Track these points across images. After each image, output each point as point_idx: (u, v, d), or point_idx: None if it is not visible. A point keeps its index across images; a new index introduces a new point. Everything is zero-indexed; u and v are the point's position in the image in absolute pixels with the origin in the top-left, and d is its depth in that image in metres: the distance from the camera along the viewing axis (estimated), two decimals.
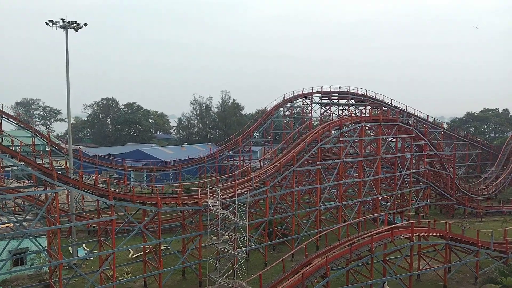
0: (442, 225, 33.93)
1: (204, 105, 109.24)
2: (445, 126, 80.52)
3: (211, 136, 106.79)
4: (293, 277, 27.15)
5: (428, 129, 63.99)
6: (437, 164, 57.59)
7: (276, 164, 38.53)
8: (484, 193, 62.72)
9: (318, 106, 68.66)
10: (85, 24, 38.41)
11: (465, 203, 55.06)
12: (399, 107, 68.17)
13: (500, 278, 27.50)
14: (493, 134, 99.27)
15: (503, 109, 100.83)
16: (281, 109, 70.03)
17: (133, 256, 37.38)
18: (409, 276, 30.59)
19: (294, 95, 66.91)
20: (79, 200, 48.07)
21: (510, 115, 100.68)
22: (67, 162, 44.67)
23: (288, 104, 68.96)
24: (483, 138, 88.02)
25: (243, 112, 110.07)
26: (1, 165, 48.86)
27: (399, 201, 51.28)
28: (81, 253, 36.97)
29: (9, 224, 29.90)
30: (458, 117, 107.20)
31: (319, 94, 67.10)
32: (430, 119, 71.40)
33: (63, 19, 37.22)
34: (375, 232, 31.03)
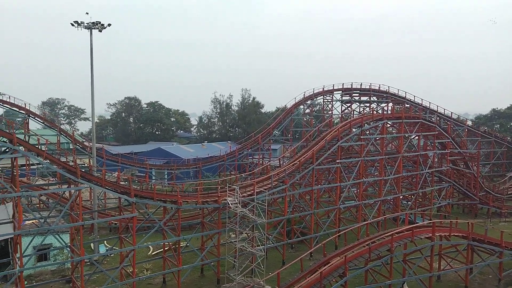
0: (465, 225, 33.27)
1: (224, 103, 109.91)
2: (469, 123, 78.59)
3: (231, 134, 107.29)
4: (311, 276, 27.12)
5: (452, 126, 62.62)
6: (460, 162, 56.39)
7: (295, 162, 38.46)
8: (509, 193, 61.09)
9: (338, 103, 68.02)
10: (109, 25, 38.98)
11: (489, 203, 53.75)
12: (422, 103, 66.90)
13: None
14: None
15: None
16: (301, 106, 69.62)
17: (153, 253, 38.00)
18: (429, 276, 30.12)
19: (315, 92, 66.34)
20: (102, 198, 49.14)
21: None
22: (90, 160, 45.72)
23: (308, 102, 68.48)
24: (509, 135, 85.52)
25: (263, 110, 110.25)
26: (28, 163, 50.41)
27: (420, 200, 50.45)
28: (102, 249, 37.83)
29: (34, 221, 30.80)
30: (483, 114, 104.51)
31: (340, 91, 66.44)
32: (454, 116, 69.82)
33: (89, 22, 37.93)
34: (395, 231, 30.66)
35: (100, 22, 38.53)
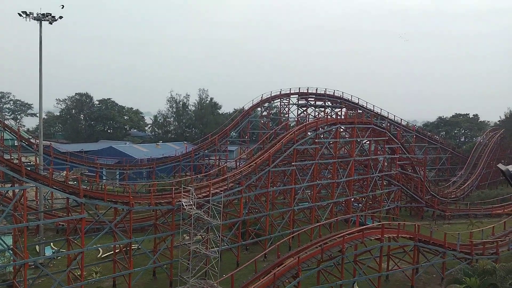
0: (411, 227, 34.71)
1: (181, 103, 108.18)
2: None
3: (187, 135, 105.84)
4: (265, 278, 27.27)
5: (401, 132, 65.30)
6: (408, 167, 58.84)
7: (252, 164, 38.55)
8: (452, 196, 64.56)
9: (295, 107, 69.26)
10: (60, 17, 37.31)
11: (434, 206, 56.45)
12: (373, 110, 69.34)
13: (464, 278, 28.36)
14: (463, 139, 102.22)
15: (473, 115, 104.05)
16: (259, 109, 70.22)
17: (102, 256, 36.73)
18: (378, 276, 31.18)
19: (272, 95, 67.17)
20: (48, 198, 46.90)
21: (479, 120, 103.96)
22: (37, 158, 43.54)
23: (266, 104, 69.24)
24: (453, 142, 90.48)
25: (220, 111, 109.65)
26: None
27: (370, 202, 52.15)
28: (48, 252, 36.05)
29: None
30: (430, 121, 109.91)
31: (297, 95, 67.62)
32: (403, 123, 72.90)
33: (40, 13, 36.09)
34: (346, 233, 31.43)
35: (50, 14, 36.79)
